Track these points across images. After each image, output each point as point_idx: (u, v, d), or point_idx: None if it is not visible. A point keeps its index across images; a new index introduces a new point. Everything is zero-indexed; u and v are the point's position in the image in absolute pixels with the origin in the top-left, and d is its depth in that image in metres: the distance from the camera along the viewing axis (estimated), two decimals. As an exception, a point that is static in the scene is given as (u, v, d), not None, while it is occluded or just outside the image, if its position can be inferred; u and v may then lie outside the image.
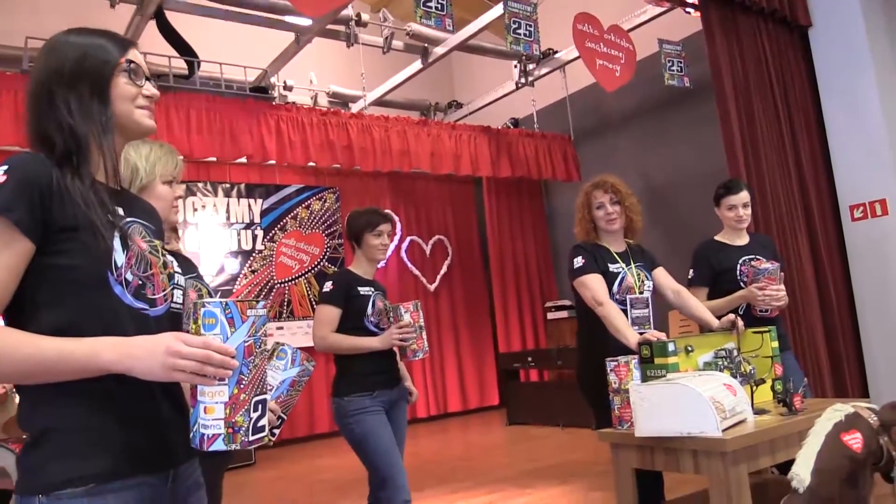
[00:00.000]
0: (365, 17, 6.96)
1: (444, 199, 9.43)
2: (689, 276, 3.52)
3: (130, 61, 1.33)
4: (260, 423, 1.20)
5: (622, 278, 3.04)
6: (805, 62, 5.60)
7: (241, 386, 1.16)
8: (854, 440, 1.81)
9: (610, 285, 3.02)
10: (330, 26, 6.66)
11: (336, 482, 5.68)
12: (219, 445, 1.15)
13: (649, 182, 7.78)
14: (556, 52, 7.68)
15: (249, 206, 8.12)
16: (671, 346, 2.55)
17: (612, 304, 2.90)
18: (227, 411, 1.15)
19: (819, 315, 5.14)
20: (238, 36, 7.03)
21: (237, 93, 6.43)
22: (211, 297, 2.03)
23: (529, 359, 7.96)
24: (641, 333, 2.87)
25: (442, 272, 9.29)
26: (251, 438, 1.18)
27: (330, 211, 8.62)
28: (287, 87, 8.23)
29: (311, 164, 6.81)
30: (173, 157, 1.97)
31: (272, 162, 6.81)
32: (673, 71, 5.41)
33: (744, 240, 3.53)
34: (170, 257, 1.38)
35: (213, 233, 7.78)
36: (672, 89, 6.48)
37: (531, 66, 8.05)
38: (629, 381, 2.45)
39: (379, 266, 9.14)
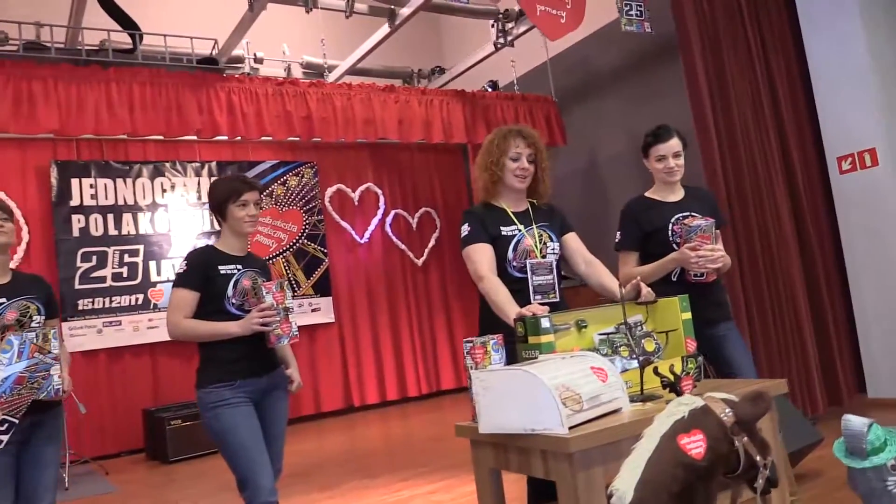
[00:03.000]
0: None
1: (430, 170, 9.04)
2: (616, 240, 3.11)
3: None
4: None
5: (518, 241, 2.65)
6: (784, -2, 5.06)
7: None
8: (694, 444, 1.41)
9: (504, 250, 2.64)
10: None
11: (292, 468, 5.41)
12: None
13: (638, 142, 7.27)
14: (533, 7, 7.18)
15: (222, 184, 7.82)
16: (545, 323, 2.17)
17: (492, 277, 2.53)
18: None
19: (802, 279, 4.67)
20: (190, 8, 6.72)
21: (184, 65, 6.11)
22: (38, 315, 2.40)
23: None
24: (542, 304, 2.51)
25: (430, 245, 8.92)
26: None
27: (308, 186, 8.28)
28: (258, 60, 7.91)
29: (266, 137, 6.46)
30: None
31: (221, 137, 6.48)
32: (631, 15, 4.90)
33: (678, 195, 3.10)
34: None
35: (183, 214, 7.52)
36: (659, 41, 5.97)
37: (510, 26, 7.57)
38: (486, 365, 2.07)
39: (362, 241, 8.83)
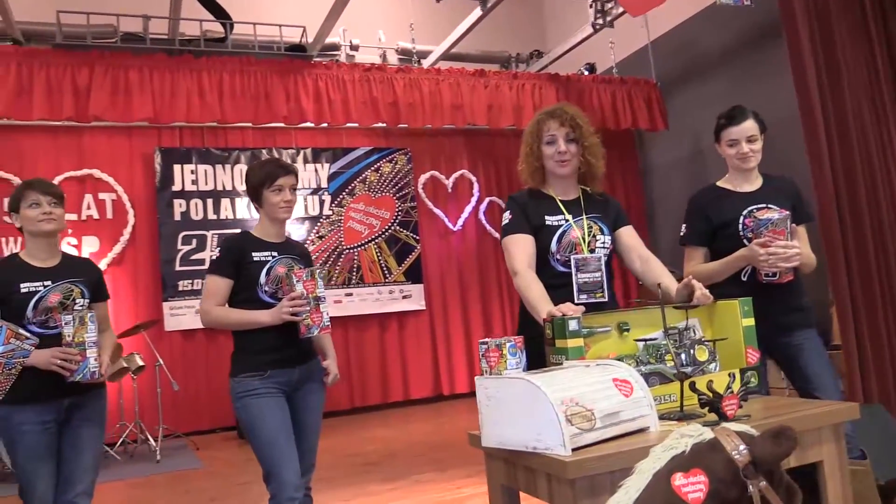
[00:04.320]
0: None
1: (526, 157, 8.76)
2: (681, 233, 2.81)
3: None
4: None
5: (563, 232, 2.41)
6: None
7: None
8: (693, 486, 1.18)
9: (548, 241, 2.40)
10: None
11: (367, 457, 5.39)
12: None
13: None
14: (635, -16, 6.77)
15: (316, 170, 7.93)
16: (573, 325, 1.95)
17: (527, 273, 2.31)
18: None
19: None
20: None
21: (272, 53, 6.18)
22: (82, 299, 2.70)
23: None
24: (585, 304, 2.27)
25: (524, 235, 8.67)
26: None
27: (401, 173, 8.25)
28: (353, 47, 7.95)
29: (352, 124, 6.44)
30: None
31: (308, 124, 6.51)
32: (728, -13, 4.47)
33: (753, 185, 2.75)
34: None
35: (278, 199, 7.64)
36: (767, 17, 5.49)
37: (609, 6, 7.20)
38: (501, 370, 1.88)
39: (455, 228, 8.74)
